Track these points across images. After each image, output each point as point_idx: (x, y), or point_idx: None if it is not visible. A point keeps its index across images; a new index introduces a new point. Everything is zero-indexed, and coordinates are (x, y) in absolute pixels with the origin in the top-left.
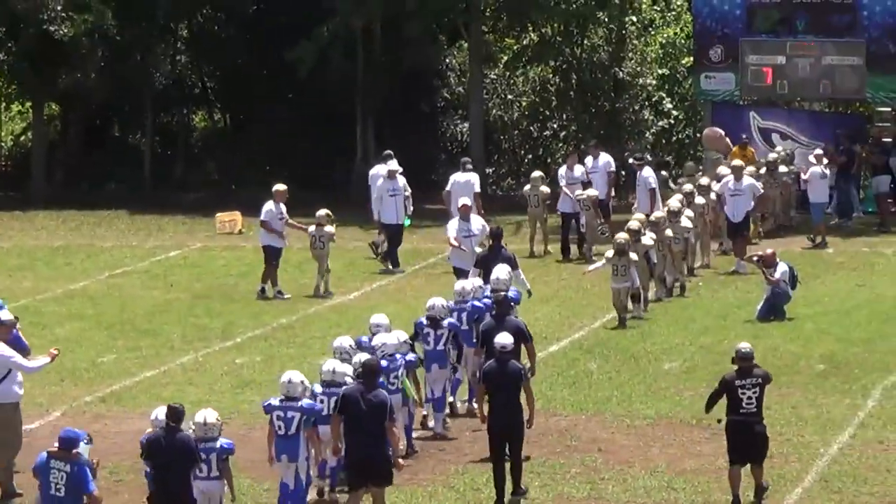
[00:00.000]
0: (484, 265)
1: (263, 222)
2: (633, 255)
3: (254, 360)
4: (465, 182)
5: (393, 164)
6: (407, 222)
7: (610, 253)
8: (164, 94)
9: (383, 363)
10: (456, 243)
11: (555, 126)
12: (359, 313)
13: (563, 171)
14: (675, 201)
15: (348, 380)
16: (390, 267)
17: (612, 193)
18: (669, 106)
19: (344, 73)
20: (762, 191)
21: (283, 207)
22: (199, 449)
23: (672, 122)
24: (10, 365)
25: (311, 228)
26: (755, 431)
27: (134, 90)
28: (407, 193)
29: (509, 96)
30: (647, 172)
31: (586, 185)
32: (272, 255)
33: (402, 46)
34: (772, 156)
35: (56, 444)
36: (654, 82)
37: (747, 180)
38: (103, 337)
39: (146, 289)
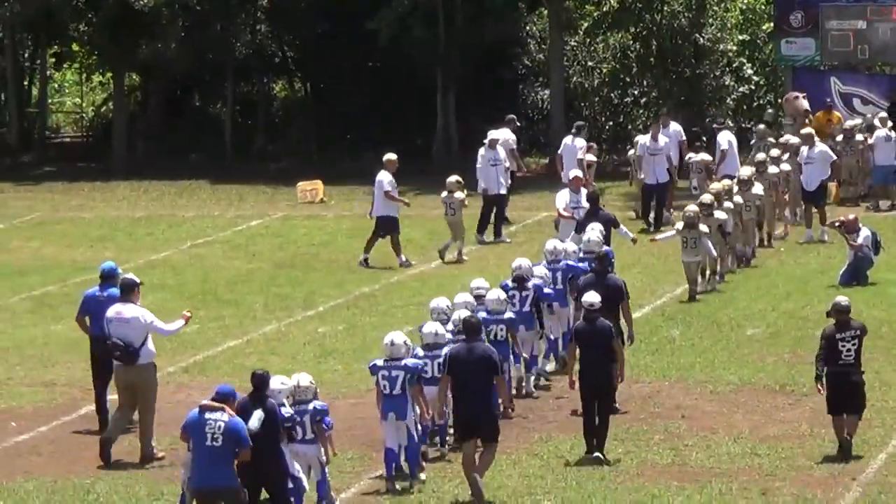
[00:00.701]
0: (583, 229)
1: (388, 192)
2: (704, 227)
3: (336, 330)
4: (572, 147)
5: (494, 134)
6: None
7: (680, 224)
8: (245, 63)
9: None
10: (567, 214)
11: (635, 93)
12: (441, 281)
13: (645, 139)
14: (745, 170)
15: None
16: (492, 238)
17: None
18: (750, 72)
19: (424, 42)
20: (834, 157)
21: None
22: (295, 411)
23: (753, 87)
24: (151, 329)
25: (443, 194)
26: (851, 381)
27: (214, 60)
28: (506, 164)
29: (589, 63)
30: (723, 136)
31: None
32: (392, 226)
33: (482, 14)
34: (849, 123)
35: (211, 399)
36: (734, 48)
37: (819, 147)
38: (186, 307)
39: (228, 258)
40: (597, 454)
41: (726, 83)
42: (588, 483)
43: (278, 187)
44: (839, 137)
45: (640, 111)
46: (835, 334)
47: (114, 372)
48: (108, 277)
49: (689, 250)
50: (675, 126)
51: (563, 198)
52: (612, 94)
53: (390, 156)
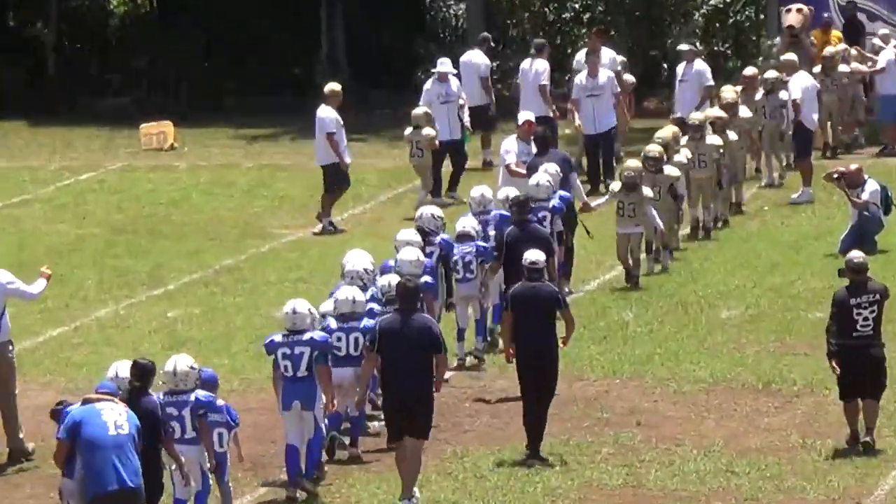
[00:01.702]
0: (533, 172)
1: (330, 135)
2: (648, 191)
3: (190, 313)
4: (530, 74)
5: (445, 65)
6: (466, 139)
7: (616, 185)
8: None
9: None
10: (518, 169)
11: (576, 6)
12: (325, 250)
13: (581, 78)
14: (696, 114)
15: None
16: (442, 198)
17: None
18: None
19: None
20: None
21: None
22: (172, 404)
23: (727, 0)
24: (11, 294)
25: (407, 131)
26: (871, 355)
27: None
28: (462, 101)
29: None
30: (702, 65)
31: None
32: (340, 178)
33: None
34: (829, 50)
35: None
36: None
37: (798, 82)
38: None
39: (50, 222)
40: (529, 458)
41: None
42: None
43: (116, 130)
44: (816, 70)
45: (583, 30)
46: (848, 299)
47: None
48: None
49: (626, 219)
50: (608, 53)
51: (510, 146)
52: (545, 9)
53: (333, 86)
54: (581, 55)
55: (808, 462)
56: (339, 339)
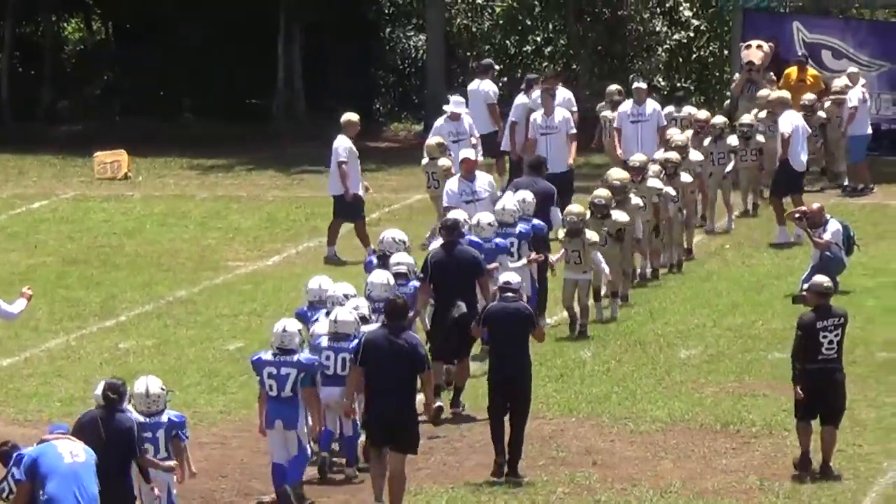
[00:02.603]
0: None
1: (341, 163)
2: (592, 235)
3: (142, 345)
4: (483, 93)
5: (459, 105)
6: None
7: (561, 233)
8: None
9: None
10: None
11: (538, 39)
12: (278, 284)
13: (537, 116)
14: (639, 155)
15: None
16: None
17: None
18: (688, 14)
19: None
20: (808, 131)
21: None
22: (145, 425)
23: (692, 34)
24: None
25: (424, 161)
26: (834, 379)
27: None
28: (474, 140)
29: (479, 0)
30: (657, 105)
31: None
32: (347, 209)
33: None
34: (838, 83)
35: None
36: None
37: (788, 118)
38: None
39: (2, 251)
40: (508, 476)
41: (657, 29)
42: None
43: (70, 158)
44: (826, 104)
45: (544, 64)
46: (815, 322)
47: None
48: None
49: (573, 266)
50: (563, 92)
51: (451, 187)
52: (507, 41)
53: (349, 116)
54: (537, 93)
55: None
56: (327, 358)
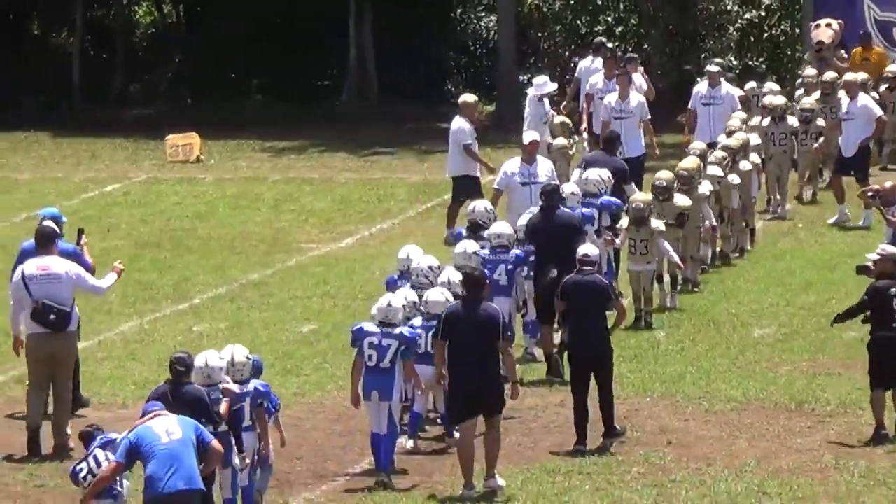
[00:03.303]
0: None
1: (467, 146)
2: (658, 224)
3: (216, 328)
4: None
5: (543, 83)
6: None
7: (625, 221)
8: None
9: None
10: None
11: (609, 20)
12: (351, 266)
13: (611, 98)
14: (737, 136)
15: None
16: None
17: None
18: None
19: None
20: (880, 113)
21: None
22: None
23: (763, 13)
24: (83, 286)
25: (549, 141)
26: None
27: None
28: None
29: None
30: (731, 88)
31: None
32: (473, 189)
33: None
34: (892, 68)
35: None
36: None
37: (863, 100)
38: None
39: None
40: (604, 436)
41: (728, 8)
42: None
43: (142, 141)
44: (882, 88)
45: (616, 44)
46: (888, 288)
47: (29, 341)
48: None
49: (638, 256)
50: (638, 79)
51: (508, 168)
52: (578, 21)
53: (467, 97)
54: (585, 62)
55: (841, 483)
56: (420, 337)
